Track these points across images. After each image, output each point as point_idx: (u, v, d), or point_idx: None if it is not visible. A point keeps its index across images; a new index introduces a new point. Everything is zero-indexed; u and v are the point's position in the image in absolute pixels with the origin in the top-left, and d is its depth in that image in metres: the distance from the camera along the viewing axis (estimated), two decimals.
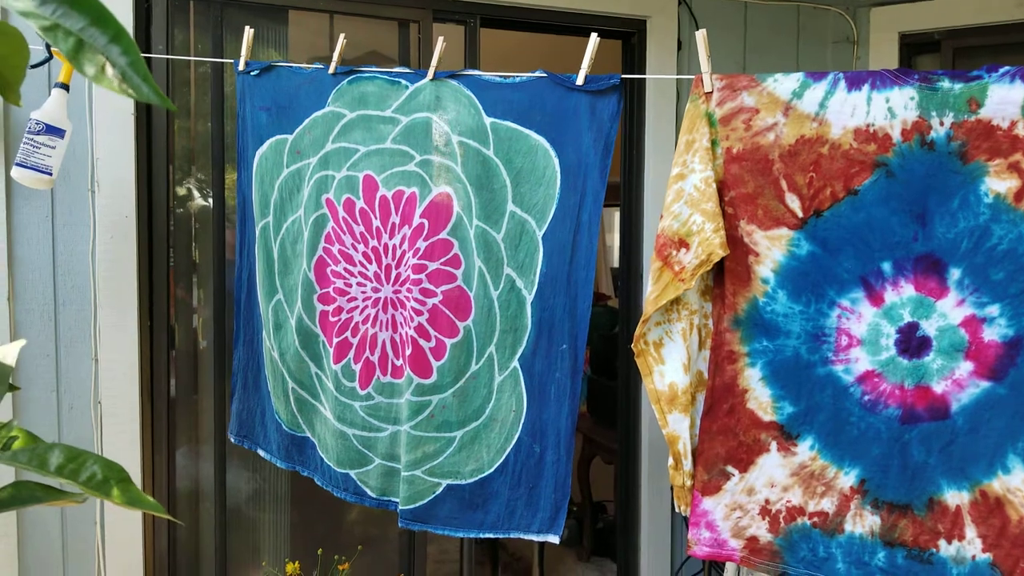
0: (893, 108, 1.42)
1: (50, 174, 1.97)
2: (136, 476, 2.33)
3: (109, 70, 0.66)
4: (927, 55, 2.80)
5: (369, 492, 1.88)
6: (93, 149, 2.25)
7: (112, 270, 2.29)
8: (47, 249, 2.24)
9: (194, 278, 2.57)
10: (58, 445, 0.85)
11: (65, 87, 2.02)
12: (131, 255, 2.31)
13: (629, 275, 2.79)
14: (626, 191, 2.79)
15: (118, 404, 2.31)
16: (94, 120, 2.25)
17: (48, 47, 1.98)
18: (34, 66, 2.01)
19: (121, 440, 2.30)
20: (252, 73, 1.98)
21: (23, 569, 2.24)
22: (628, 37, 2.74)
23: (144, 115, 2.34)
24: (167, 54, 2.31)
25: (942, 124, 1.39)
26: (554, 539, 1.71)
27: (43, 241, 2.24)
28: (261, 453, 2.12)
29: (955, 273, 1.41)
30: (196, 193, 2.57)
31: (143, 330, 2.36)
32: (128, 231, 2.30)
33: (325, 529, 2.79)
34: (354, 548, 2.41)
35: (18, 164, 1.94)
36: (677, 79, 2.67)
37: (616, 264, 5.04)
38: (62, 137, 1.98)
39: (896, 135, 1.42)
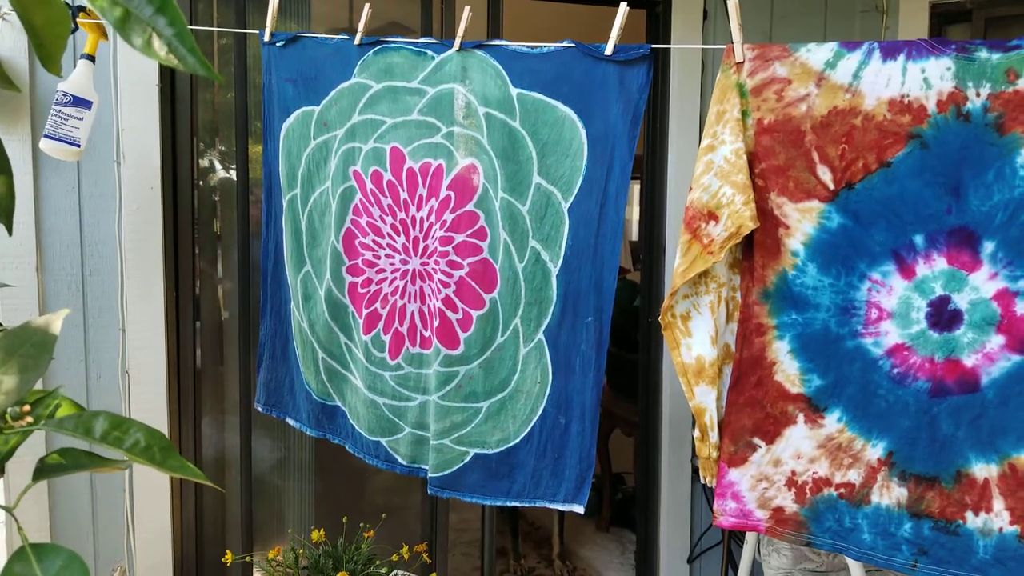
0: (929, 79, 1.40)
1: (78, 145, 1.98)
2: None
3: (156, 41, 0.67)
4: (958, 25, 2.74)
5: (400, 459, 1.90)
6: (118, 120, 2.26)
7: (138, 241, 2.30)
8: (74, 220, 2.26)
9: (218, 249, 2.59)
10: (102, 412, 0.87)
11: (91, 58, 2.02)
12: (156, 226, 2.32)
13: (651, 249, 2.78)
14: (649, 164, 2.77)
15: (145, 373, 2.34)
16: (119, 91, 2.25)
17: (74, 18, 1.98)
18: None
19: (148, 409, 2.33)
20: (278, 44, 1.98)
21: (54, 536, 2.28)
22: (652, 6, 2.70)
23: (168, 86, 2.34)
24: (190, 25, 2.30)
25: (979, 95, 1.37)
26: (579, 509, 1.72)
27: (70, 212, 2.25)
28: (290, 422, 2.14)
29: (988, 246, 1.40)
30: (220, 164, 2.58)
31: (169, 301, 2.38)
32: (153, 202, 2.31)
33: (348, 498, 2.83)
34: (376, 516, 2.44)
35: (46, 136, 1.95)
36: (702, 50, 2.64)
37: (635, 237, 5.03)
38: (89, 108, 1.99)
39: (931, 106, 1.40)
